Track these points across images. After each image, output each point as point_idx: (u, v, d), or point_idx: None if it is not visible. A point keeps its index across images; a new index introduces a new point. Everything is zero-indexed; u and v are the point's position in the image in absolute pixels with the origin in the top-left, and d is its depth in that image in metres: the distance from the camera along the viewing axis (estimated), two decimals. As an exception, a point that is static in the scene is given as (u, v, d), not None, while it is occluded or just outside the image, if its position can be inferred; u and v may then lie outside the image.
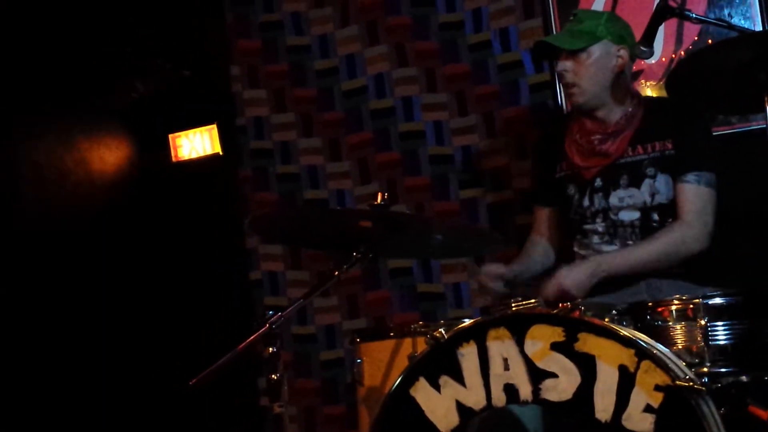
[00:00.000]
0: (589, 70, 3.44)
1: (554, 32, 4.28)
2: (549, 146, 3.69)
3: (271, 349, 2.78)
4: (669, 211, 3.40)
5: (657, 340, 2.66)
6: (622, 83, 3.50)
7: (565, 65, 3.47)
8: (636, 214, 3.44)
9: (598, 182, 3.48)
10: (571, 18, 3.55)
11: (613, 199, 3.45)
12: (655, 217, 3.41)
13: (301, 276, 4.75)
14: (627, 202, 3.44)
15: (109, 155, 4.86)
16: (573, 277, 3.24)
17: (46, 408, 4.22)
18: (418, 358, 2.80)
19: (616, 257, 3.35)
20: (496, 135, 4.50)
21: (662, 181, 3.41)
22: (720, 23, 3.20)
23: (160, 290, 4.71)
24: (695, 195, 3.36)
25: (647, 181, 3.42)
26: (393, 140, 4.67)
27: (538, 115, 4.40)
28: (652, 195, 3.42)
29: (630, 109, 3.49)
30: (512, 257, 3.72)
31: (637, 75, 4.08)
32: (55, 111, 4.60)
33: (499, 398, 2.68)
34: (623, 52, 3.47)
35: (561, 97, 4.27)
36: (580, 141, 3.54)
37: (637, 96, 3.56)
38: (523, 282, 3.55)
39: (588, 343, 2.58)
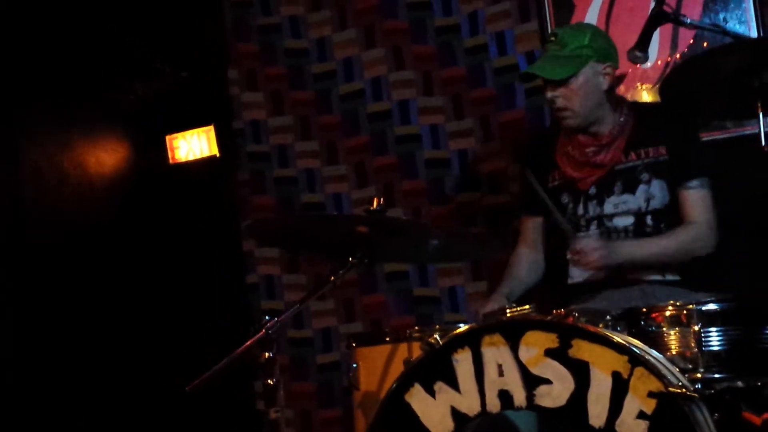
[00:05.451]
0: (579, 94, 3.43)
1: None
2: (537, 156, 3.68)
3: (267, 354, 2.78)
4: (663, 216, 3.41)
5: (651, 346, 2.67)
6: (612, 96, 3.50)
7: (555, 92, 3.46)
8: (630, 220, 3.44)
9: (593, 190, 3.49)
10: (552, 38, 3.51)
11: (608, 206, 3.46)
12: (649, 221, 3.42)
13: (297, 280, 4.75)
14: (621, 208, 3.45)
15: (107, 157, 4.86)
16: (599, 246, 3.30)
17: (43, 412, 4.22)
18: (413, 364, 2.80)
19: (633, 245, 3.38)
20: (493, 139, 4.51)
21: (657, 186, 3.42)
22: (714, 29, 3.22)
23: (157, 293, 4.71)
24: (701, 199, 3.40)
25: (642, 187, 3.43)
26: (390, 144, 4.67)
27: (535, 118, 4.41)
28: (647, 200, 3.43)
29: (622, 119, 3.49)
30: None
31: (621, 79, 4.07)
32: (54, 113, 4.61)
33: (493, 404, 2.68)
34: (609, 69, 3.47)
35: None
36: (572, 153, 3.53)
37: (626, 104, 3.56)
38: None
39: (582, 349, 2.58)
